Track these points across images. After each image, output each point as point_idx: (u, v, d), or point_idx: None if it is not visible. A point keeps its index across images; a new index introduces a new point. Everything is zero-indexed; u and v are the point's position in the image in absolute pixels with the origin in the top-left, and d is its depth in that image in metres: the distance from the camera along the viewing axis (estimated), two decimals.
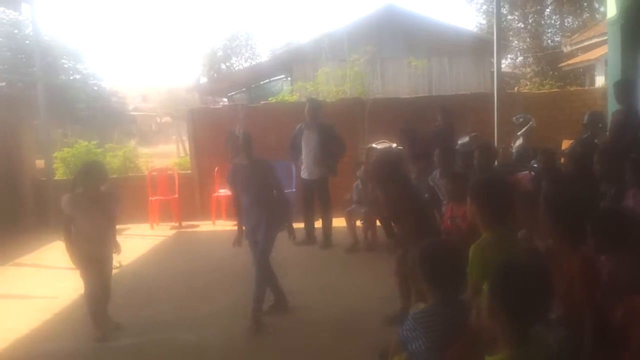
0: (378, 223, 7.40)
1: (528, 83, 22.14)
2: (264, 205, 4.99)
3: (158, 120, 39.96)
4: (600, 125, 6.69)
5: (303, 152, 7.79)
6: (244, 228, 5.15)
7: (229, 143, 5.05)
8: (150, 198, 9.60)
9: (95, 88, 27.13)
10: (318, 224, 7.90)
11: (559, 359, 2.65)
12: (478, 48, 16.43)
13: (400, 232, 5.12)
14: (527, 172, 6.32)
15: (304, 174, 7.89)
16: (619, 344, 2.64)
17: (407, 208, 4.70)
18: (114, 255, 5.11)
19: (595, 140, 6.49)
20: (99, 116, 24.60)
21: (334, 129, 7.92)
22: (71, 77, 25.77)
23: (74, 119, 22.77)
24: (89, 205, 4.77)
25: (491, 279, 2.11)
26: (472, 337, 2.51)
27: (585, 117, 6.91)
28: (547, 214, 3.15)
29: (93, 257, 4.84)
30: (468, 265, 2.87)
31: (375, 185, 6.96)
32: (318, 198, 7.85)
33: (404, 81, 15.88)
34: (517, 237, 3.85)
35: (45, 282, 6.81)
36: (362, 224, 7.59)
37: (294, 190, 9.45)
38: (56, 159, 10.90)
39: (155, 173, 10.25)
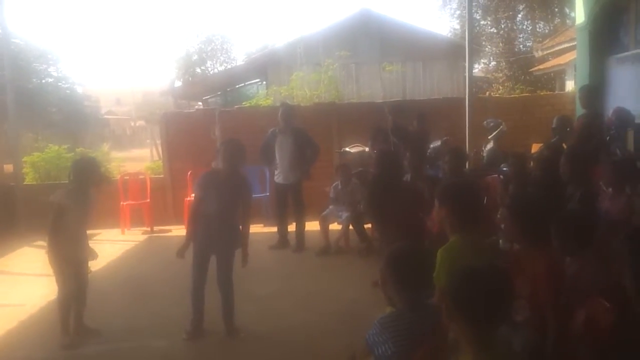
0: (351, 227, 7.43)
1: (500, 87, 22.41)
2: (229, 219, 4.84)
3: (132, 124, 39.49)
4: (568, 129, 6.78)
5: (277, 156, 7.77)
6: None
7: (227, 150, 4.79)
8: (121, 203, 9.48)
9: (68, 91, 26.71)
10: (291, 227, 7.89)
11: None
12: (452, 53, 16.57)
13: (380, 238, 5.11)
14: (496, 175, 6.39)
15: (278, 179, 7.88)
16: (582, 346, 2.68)
17: (388, 215, 4.72)
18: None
19: (564, 144, 6.60)
20: (71, 120, 24.21)
21: (307, 133, 7.94)
22: (43, 81, 25.34)
23: (45, 123, 22.39)
24: (81, 203, 4.71)
25: (449, 284, 2.11)
26: (439, 342, 2.52)
27: (554, 122, 7.02)
28: (512, 218, 3.19)
29: (74, 259, 4.76)
30: (435, 269, 2.89)
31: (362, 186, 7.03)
32: (292, 202, 7.85)
33: (379, 86, 15.95)
34: (485, 242, 3.89)
35: (12, 289, 6.68)
36: (340, 223, 7.55)
37: (268, 194, 9.44)
38: (26, 164, 10.69)
39: (127, 177, 10.13)
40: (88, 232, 5.15)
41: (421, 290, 2.66)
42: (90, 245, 5.06)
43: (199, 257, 4.86)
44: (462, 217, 3.17)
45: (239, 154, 4.84)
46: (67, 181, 4.97)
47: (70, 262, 4.74)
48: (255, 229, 8.95)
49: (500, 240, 4.55)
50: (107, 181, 5.14)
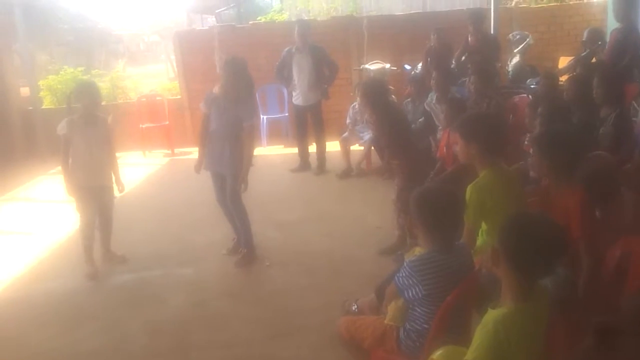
0: (373, 148, 7.31)
1: None
2: (230, 141, 4.73)
3: (146, 39, 38.71)
4: (599, 42, 6.46)
5: (295, 77, 7.54)
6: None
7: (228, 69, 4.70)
8: (140, 125, 9.42)
9: (78, 7, 25.99)
10: (311, 149, 7.81)
11: (556, 300, 2.64)
12: None
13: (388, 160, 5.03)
14: (524, 95, 6.16)
15: (297, 100, 7.67)
16: (615, 283, 2.63)
17: (388, 140, 4.63)
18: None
19: (594, 59, 6.30)
20: (84, 37, 23.72)
21: (325, 50, 7.67)
22: None
23: (58, 42, 21.99)
24: (86, 129, 4.69)
25: (504, 233, 2.01)
26: (470, 284, 2.49)
27: (585, 34, 6.68)
28: (542, 153, 3.06)
29: (90, 186, 4.77)
30: (465, 207, 2.81)
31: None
32: (312, 123, 7.71)
33: None
34: (513, 170, 3.79)
35: (40, 216, 6.77)
36: (362, 145, 7.43)
37: (287, 114, 9.29)
38: (42, 87, 10.58)
39: (144, 99, 10.02)
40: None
41: (450, 232, 2.59)
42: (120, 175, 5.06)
43: (211, 175, 4.97)
44: (492, 152, 3.09)
45: (242, 73, 4.68)
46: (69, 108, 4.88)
47: (87, 190, 4.75)
48: (276, 150, 8.96)
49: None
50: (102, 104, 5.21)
